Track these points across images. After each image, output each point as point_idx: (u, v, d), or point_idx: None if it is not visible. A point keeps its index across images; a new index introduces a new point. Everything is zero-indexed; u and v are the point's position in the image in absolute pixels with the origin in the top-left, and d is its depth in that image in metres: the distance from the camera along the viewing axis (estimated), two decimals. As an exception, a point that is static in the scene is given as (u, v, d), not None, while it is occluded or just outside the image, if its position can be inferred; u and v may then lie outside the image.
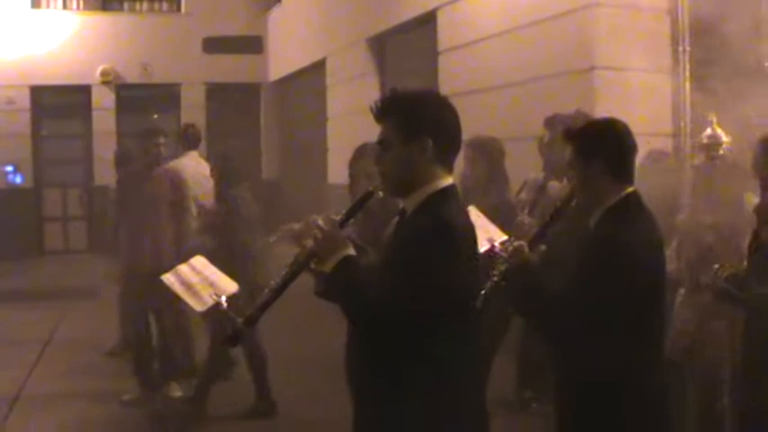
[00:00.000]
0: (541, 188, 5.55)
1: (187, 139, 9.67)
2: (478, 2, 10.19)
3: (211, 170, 7.91)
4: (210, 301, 4.55)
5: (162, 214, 8.14)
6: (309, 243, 3.33)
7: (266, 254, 7.43)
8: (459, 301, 3.19)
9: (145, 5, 20.66)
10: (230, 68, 20.18)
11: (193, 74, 20.22)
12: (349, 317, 3.24)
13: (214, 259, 7.15)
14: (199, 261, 5.22)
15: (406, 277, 3.09)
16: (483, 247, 4.67)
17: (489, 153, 6.33)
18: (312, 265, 3.36)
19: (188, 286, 4.90)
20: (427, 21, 11.71)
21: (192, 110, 20.32)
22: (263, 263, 7.39)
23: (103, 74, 19.78)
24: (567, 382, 3.82)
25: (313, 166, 17.33)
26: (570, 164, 3.89)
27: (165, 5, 20.73)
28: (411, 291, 3.06)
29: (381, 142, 3.35)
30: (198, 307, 4.71)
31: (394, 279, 3.11)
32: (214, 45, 20.19)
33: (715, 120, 5.50)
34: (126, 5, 20.51)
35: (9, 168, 19.54)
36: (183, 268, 5.11)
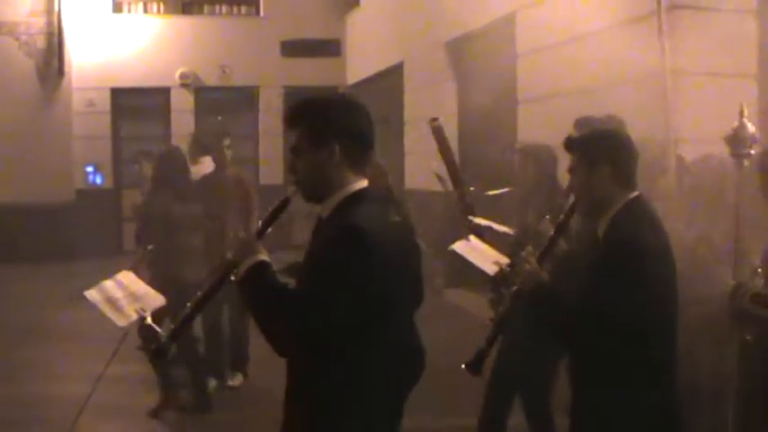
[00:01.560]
0: (565, 194, 5.50)
1: (200, 145, 9.92)
2: (558, 5, 10.02)
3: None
4: (134, 316, 4.62)
5: (231, 214, 8.31)
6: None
7: (194, 253, 7.83)
8: (377, 304, 3.14)
9: (224, 9, 20.83)
10: (308, 72, 20.19)
11: (271, 77, 20.33)
12: (259, 326, 3.19)
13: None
14: (126, 276, 5.30)
15: (317, 287, 3.09)
16: (492, 270, 4.96)
17: (537, 159, 6.28)
18: (233, 277, 3.38)
19: (112, 301, 4.92)
20: (506, 24, 11.56)
21: (270, 113, 20.45)
22: (188, 261, 7.71)
23: (182, 76, 20.03)
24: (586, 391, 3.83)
25: (390, 171, 17.24)
26: (572, 171, 3.91)
27: (243, 9, 20.89)
28: (322, 300, 3.06)
29: (293, 150, 3.37)
30: (120, 321, 4.73)
31: (305, 289, 3.15)
32: (292, 48, 20.27)
33: (746, 111, 4.88)
34: (205, 9, 20.74)
35: (89, 169, 19.86)
36: (107, 284, 5.14)
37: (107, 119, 20.06)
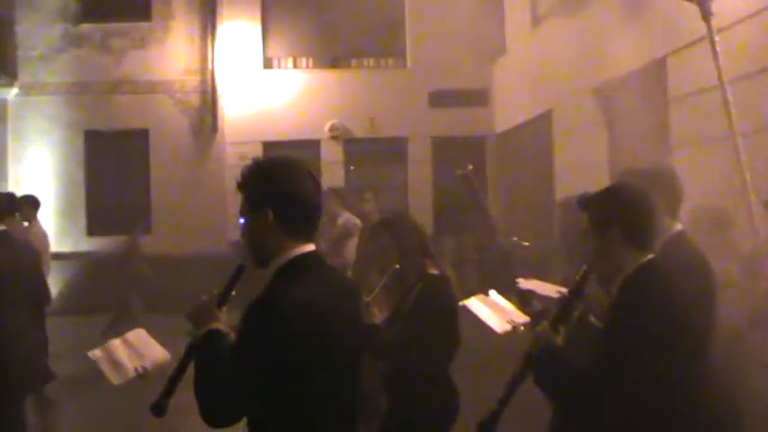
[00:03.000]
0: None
1: (340, 199, 10.13)
2: (710, 47, 9.67)
3: None
4: (132, 374, 4.80)
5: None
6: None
7: None
8: (292, 374, 3.14)
9: (372, 61, 21.01)
10: (456, 121, 20.18)
11: (419, 127, 20.36)
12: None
13: None
14: (134, 333, 5.35)
15: (236, 357, 3.13)
16: (503, 328, 5.05)
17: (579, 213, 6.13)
18: None
19: (114, 360, 4.98)
20: (657, 68, 11.26)
21: (419, 163, 20.48)
22: None
23: (332, 129, 20.26)
24: None
25: (540, 221, 17.02)
26: (586, 233, 3.79)
27: (391, 61, 21.01)
28: (239, 370, 3.11)
29: (240, 213, 3.45)
30: (115, 380, 4.83)
31: (231, 359, 3.16)
32: (439, 98, 20.27)
33: None
34: (353, 62, 20.96)
35: (242, 221, 20.19)
36: (114, 342, 5.19)
37: (260, 171, 20.41)
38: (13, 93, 19.78)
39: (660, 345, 3.35)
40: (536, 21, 17.45)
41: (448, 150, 20.82)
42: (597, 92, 13.82)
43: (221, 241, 19.52)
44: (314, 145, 20.54)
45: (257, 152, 20.23)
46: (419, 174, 20.59)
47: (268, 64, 20.64)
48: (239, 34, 20.26)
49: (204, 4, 20.07)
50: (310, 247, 3.38)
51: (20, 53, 19.83)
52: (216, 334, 3.34)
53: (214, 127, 19.91)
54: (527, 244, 9.62)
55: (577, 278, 3.83)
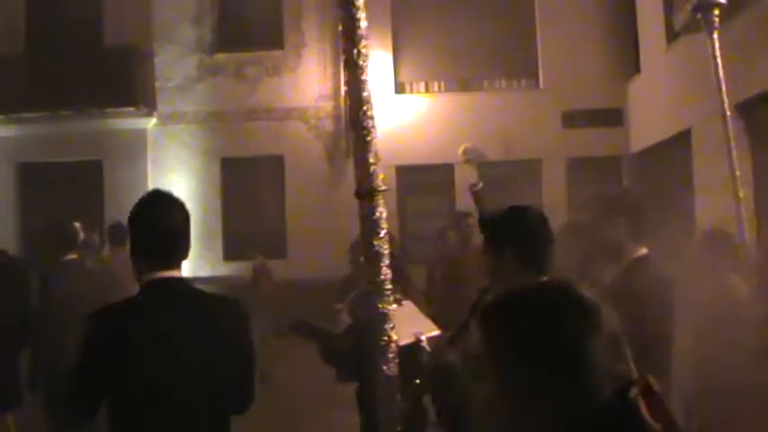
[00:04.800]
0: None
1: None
2: None
3: None
4: None
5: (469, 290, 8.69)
6: None
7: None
8: (101, 382, 3.43)
9: (503, 83, 20.87)
10: (590, 141, 19.85)
11: (553, 148, 20.09)
12: None
13: None
14: None
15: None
16: (406, 340, 4.89)
17: (582, 236, 6.21)
18: None
19: None
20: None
21: (553, 185, 20.22)
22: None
23: (465, 152, 20.16)
24: None
25: (679, 241, 16.48)
26: (484, 253, 3.90)
27: (523, 82, 20.84)
28: (69, 376, 3.54)
29: None
30: None
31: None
32: (573, 119, 19.99)
33: None
34: (485, 84, 20.84)
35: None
36: None
37: (393, 196, 20.44)
38: (151, 123, 20.42)
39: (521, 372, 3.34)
40: (671, 38, 17.02)
41: (583, 171, 20.46)
42: (740, 108, 13.35)
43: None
44: (448, 169, 20.49)
45: (391, 176, 20.29)
46: (554, 195, 20.27)
47: (400, 89, 20.76)
48: (371, 60, 20.22)
49: (336, 32, 20.29)
50: (164, 273, 3.63)
51: (158, 84, 20.51)
52: None
53: (348, 152, 20.07)
54: None
55: (477, 297, 3.91)
